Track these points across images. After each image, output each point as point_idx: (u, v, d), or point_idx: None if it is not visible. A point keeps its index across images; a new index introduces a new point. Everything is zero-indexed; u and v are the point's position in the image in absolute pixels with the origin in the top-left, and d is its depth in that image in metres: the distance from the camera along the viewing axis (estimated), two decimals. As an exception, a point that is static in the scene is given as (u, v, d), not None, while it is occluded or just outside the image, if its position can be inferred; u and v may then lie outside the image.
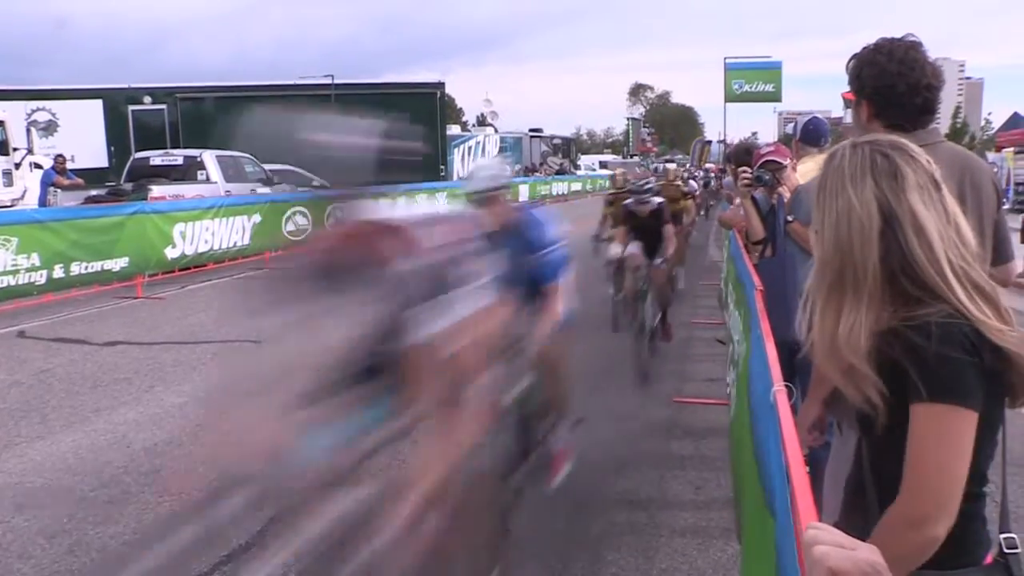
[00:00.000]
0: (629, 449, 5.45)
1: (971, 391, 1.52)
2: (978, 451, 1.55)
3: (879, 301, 1.59)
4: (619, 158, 66.63)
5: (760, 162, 4.54)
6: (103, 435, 5.80)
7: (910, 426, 1.53)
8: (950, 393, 1.51)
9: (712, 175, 24.48)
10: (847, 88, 2.74)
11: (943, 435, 1.51)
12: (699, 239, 17.63)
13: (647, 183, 8.34)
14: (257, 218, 15.28)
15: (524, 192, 33.90)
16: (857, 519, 1.68)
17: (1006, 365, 1.55)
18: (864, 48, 2.63)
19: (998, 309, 1.58)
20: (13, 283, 10.30)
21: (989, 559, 1.65)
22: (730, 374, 5.38)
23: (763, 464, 2.09)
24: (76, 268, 11.18)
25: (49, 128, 26.61)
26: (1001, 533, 1.67)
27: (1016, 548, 1.66)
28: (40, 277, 10.65)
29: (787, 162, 4.47)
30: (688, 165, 27.85)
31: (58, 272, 10.89)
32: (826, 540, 0.88)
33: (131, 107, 28.45)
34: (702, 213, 20.44)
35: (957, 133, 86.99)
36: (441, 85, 31.60)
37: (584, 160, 63.40)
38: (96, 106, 28.34)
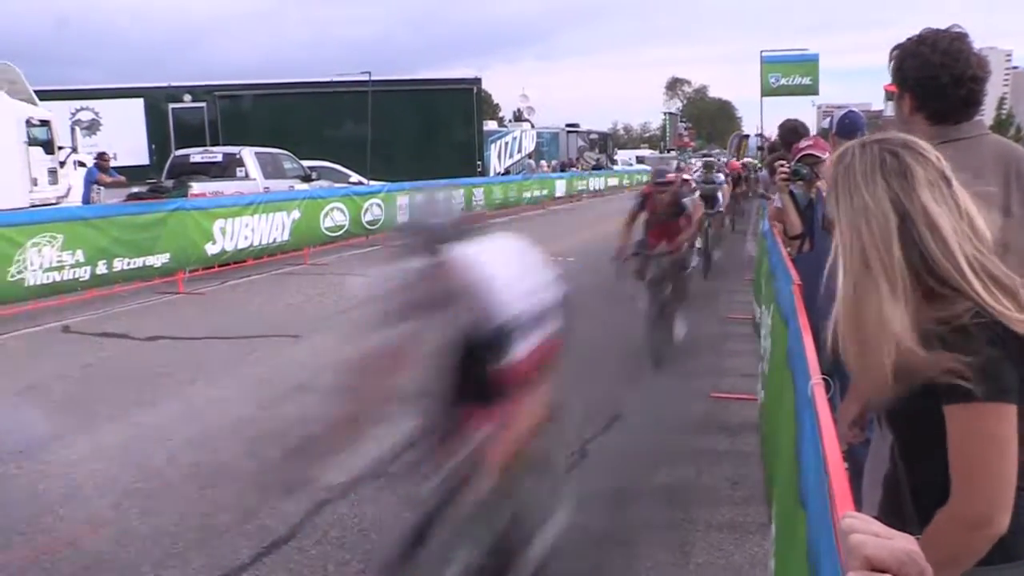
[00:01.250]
0: (665, 444, 5.44)
1: (1008, 386, 1.52)
2: (1019, 445, 1.54)
3: (912, 297, 1.58)
4: (656, 153, 66.32)
5: (798, 156, 4.50)
6: (145, 428, 5.91)
7: (951, 428, 1.53)
8: (989, 392, 1.51)
9: (740, 173, 20.69)
10: (887, 81, 2.70)
11: (989, 434, 1.51)
12: (734, 240, 17.48)
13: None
14: (296, 214, 15.42)
15: (561, 187, 33.86)
16: (894, 519, 1.67)
17: None
18: (907, 39, 2.58)
19: (1017, 299, 1.58)
20: (58, 279, 10.50)
21: None
22: (761, 369, 5.35)
23: (803, 459, 2.08)
24: (119, 264, 11.37)
25: (92, 127, 27.10)
26: None
27: None
28: (84, 273, 10.86)
29: (826, 156, 4.42)
30: (723, 159, 27.54)
31: (101, 268, 11.09)
32: (862, 529, 0.88)
33: (171, 105, 28.85)
34: (727, 222, 17.03)
35: (1002, 124, 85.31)
36: (478, 81, 31.62)
37: (621, 155, 63.18)
38: (137, 105, 28.80)
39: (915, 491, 1.66)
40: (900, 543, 0.87)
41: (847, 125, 4.63)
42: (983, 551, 1.52)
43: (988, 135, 2.67)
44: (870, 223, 1.61)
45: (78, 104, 27.24)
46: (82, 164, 17.98)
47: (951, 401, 1.52)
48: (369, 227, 17.89)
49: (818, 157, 4.39)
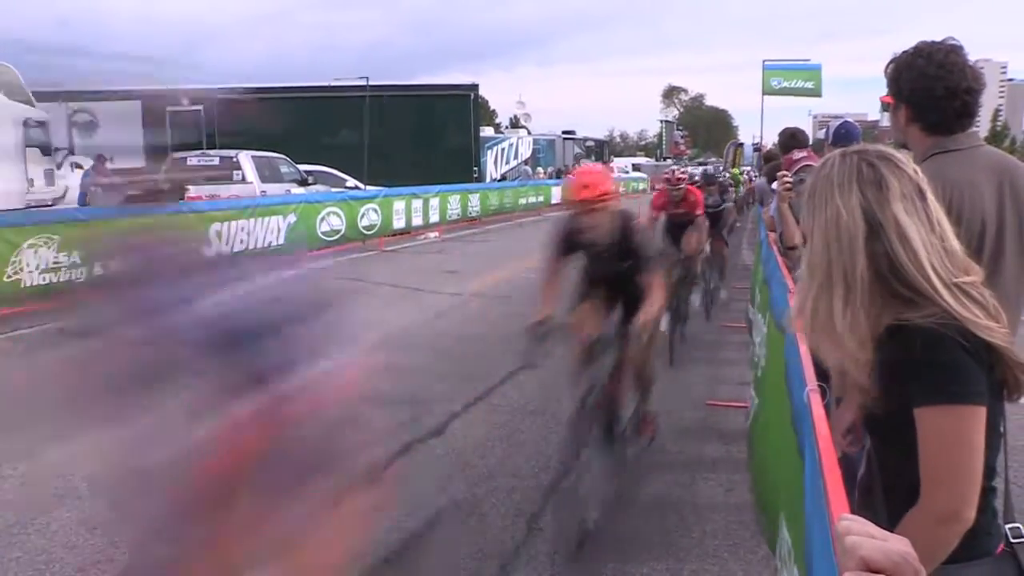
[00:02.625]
0: (662, 451, 5.46)
1: (976, 388, 1.58)
2: (984, 445, 1.59)
3: (870, 302, 1.65)
4: (652, 160, 66.47)
5: (797, 168, 4.52)
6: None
7: (921, 429, 1.58)
8: (958, 394, 1.57)
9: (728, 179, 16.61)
10: (884, 91, 2.73)
11: (958, 435, 1.56)
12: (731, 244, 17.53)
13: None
14: (292, 218, 15.44)
15: (557, 194, 33.92)
16: (867, 518, 1.71)
17: (997, 360, 1.61)
18: (903, 52, 2.62)
19: (986, 308, 1.63)
20: (55, 280, 10.50)
21: (1000, 549, 1.70)
22: (750, 375, 5.38)
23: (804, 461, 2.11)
24: (115, 266, 11.36)
25: (90, 128, 27.09)
26: (1006, 523, 1.73)
27: (1022, 537, 1.72)
28: (81, 275, 10.85)
29: None
30: (721, 168, 27.65)
31: (98, 270, 11.07)
32: (858, 531, 0.91)
33: (169, 108, 28.85)
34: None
35: (997, 137, 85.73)
36: (475, 87, 31.71)
37: (617, 162, 63.30)
38: (136, 107, 28.78)
39: (886, 492, 1.71)
40: (895, 545, 0.89)
41: (843, 135, 4.66)
42: (953, 545, 1.57)
43: (983, 146, 2.70)
44: (839, 230, 1.67)
45: (75, 105, 27.23)
46: (79, 166, 17.99)
47: (922, 403, 1.57)
48: (365, 232, 17.92)
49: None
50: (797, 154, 4.72)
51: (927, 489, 1.57)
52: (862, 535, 0.90)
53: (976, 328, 1.58)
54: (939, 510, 1.55)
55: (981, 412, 1.57)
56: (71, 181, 17.28)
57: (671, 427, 5.96)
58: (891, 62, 2.65)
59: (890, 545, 0.88)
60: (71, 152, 18.21)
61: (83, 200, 15.90)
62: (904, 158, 1.73)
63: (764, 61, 35.76)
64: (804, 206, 1.80)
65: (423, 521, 2.77)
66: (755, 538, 4.14)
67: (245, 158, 17.89)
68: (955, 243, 1.69)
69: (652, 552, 4.11)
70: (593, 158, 51.85)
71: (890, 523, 1.64)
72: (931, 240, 1.64)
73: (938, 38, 2.60)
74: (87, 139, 24.83)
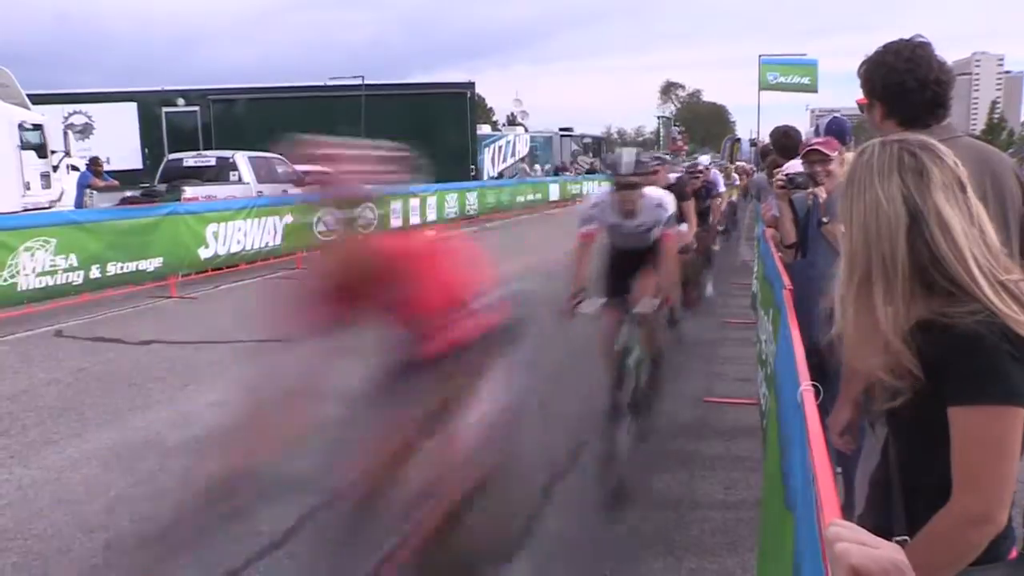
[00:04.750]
0: (659, 449, 5.44)
1: (1017, 388, 1.53)
2: None
3: (911, 294, 1.60)
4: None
5: (805, 150, 4.39)
6: (138, 433, 5.89)
7: (957, 429, 1.53)
8: (998, 394, 1.52)
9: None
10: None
11: (995, 436, 1.52)
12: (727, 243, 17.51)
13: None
14: (289, 218, 15.41)
15: (555, 191, 33.88)
16: (880, 516, 1.69)
17: None
18: (874, 52, 2.70)
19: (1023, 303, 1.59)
20: (51, 283, 10.48)
21: (1014, 553, 1.67)
22: (759, 374, 5.35)
23: (786, 463, 2.09)
24: (112, 268, 11.35)
25: (85, 131, 27.08)
26: None
27: None
28: (77, 277, 10.83)
29: (834, 155, 4.28)
30: (719, 162, 27.63)
31: (94, 272, 11.06)
32: (848, 537, 0.88)
33: (164, 109, 28.83)
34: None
35: (994, 129, 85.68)
36: (471, 85, 31.69)
37: (614, 158, 63.11)
38: (130, 109, 28.77)
39: (906, 491, 1.67)
40: (886, 552, 0.87)
41: (835, 132, 4.65)
42: (983, 547, 1.54)
43: (961, 137, 2.71)
44: (879, 219, 1.62)
45: (71, 108, 27.21)
46: (75, 168, 17.95)
47: (958, 403, 1.53)
48: (362, 231, 17.88)
49: (825, 155, 4.27)
50: (814, 140, 4.59)
51: (960, 490, 1.53)
52: (852, 542, 0.87)
53: (1017, 326, 1.54)
54: (971, 512, 1.52)
55: (1020, 413, 1.52)
56: (67, 184, 17.24)
57: (669, 424, 5.94)
58: (862, 63, 2.72)
59: (881, 553, 0.86)
60: (67, 154, 18.16)
61: (80, 203, 15.86)
62: (945, 148, 1.69)
63: (760, 56, 35.63)
64: (842, 194, 1.75)
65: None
66: (754, 536, 4.13)
67: (241, 158, 17.85)
68: (995, 239, 1.64)
69: (651, 549, 4.10)
70: (591, 155, 51.84)
71: (910, 523, 1.61)
72: (971, 232, 1.60)
73: (928, 33, 2.64)
74: (82, 140, 24.86)
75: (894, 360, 1.59)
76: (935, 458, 1.57)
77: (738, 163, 28.99)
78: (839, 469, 3.36)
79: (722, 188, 12.54)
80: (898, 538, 1.58)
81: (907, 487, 1.68)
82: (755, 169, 21.73)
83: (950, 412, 1.55)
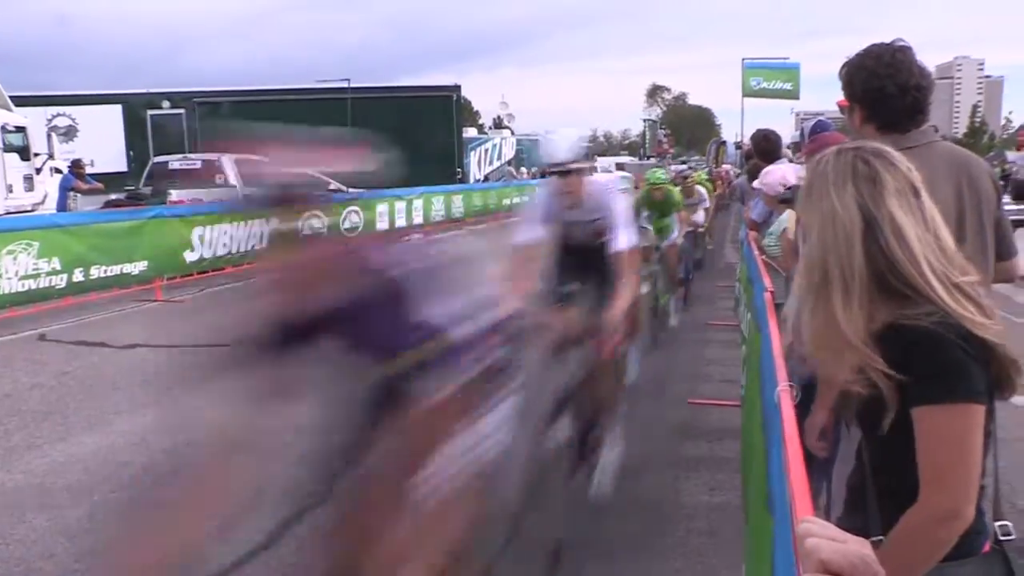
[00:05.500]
0: (644, 450, 5.47)
1: (976, 386, 1.58)
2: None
3: (869, 299, 1.64)
4: (636, 160, 66.52)
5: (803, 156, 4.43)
6: (122, 437, 5.87)
7: (921, 428, 1.58)
8: (958, 392, 1.56)
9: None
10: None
11: (958, 433, 1.56)
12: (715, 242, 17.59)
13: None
14: (275, 221, 15.37)
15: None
16: (857, 518, 1.72)
17: (991, 357, 1.61)
18: (855, 55, 2.71)
19: (980, 305, 1.64)
20: (34, 287, 10.43)
21: (987, 547, 1.70)
22: (743, 376, 5.39)
23: (770, 464, 2.11)
24: (96, 272, 11.30)
25: (69, 133, 26.90)
26: (995, 521, 1.73)
27: (1011, 535, 1.72)
28: (61, 281, 10.78)
29: None
30: (705, 166, 27.74)
31: (78, 276, 11.01)
32: (818, 533, 0.91)
33: (149, 112, 28.69)
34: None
35: (975, 132, 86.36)
36: (457, 88, 31.67)
37: (601, 161, 63.36)
38: (115, 111, 28.61)
39: (880, 492, 1.71)
40: (854, 547, 0.89)
41: (817, 135, 4.67)
42: (952, 543, 1.57)
43: (938, 142, 2.75)
44: (836, 226, 1.67)
45: (55, 110, 27.05)
46: (58, 171, 17.85)
47: (921, 403, 1.57)
48: (348, 234, 17.87)
49: None
50: (809, 146, 4.59)
51: (927, 488, 1.57)
52: (822, 537, 0.90)
53: (972, 325, 1.58)
54: (939, 508, 1.56)
55: (980, 410, 1.57)
56: (50, 187, 17.14)
57: (653, 426, 5.97)
58: (843, 66, 2.73)
59: (849, 547, 0.89)
60: (50, 157, 18.05)
61: (62, 205, 15.76)
62: (898, 155, 1.74)
63: (744, 59, 35.82)
64: (800, 202, 1.80)
65: None
66: (739, 537, 4.15)
67: (227, 161, 17.79)
68: (950, 242, 1.69)
69: (636, 551, 4.12)
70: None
71: (885, 525, 1.64)
72: (926, 237, 1.65)
73: (910, 37, 2.66)
74: (66, 143, 24.72)
75: (860, 364, 1.62)
76: (906, 459, 1.60)
77: (724, 166, 29.10)
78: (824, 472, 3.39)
79: (707, 202, 12.51)
80: (874, 538, 1.61)
81: (881, 489, 1.71)
82: (738, 173, 21.82)
83: (914, 412, 1.59)
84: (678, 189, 10.66)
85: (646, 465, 5.23)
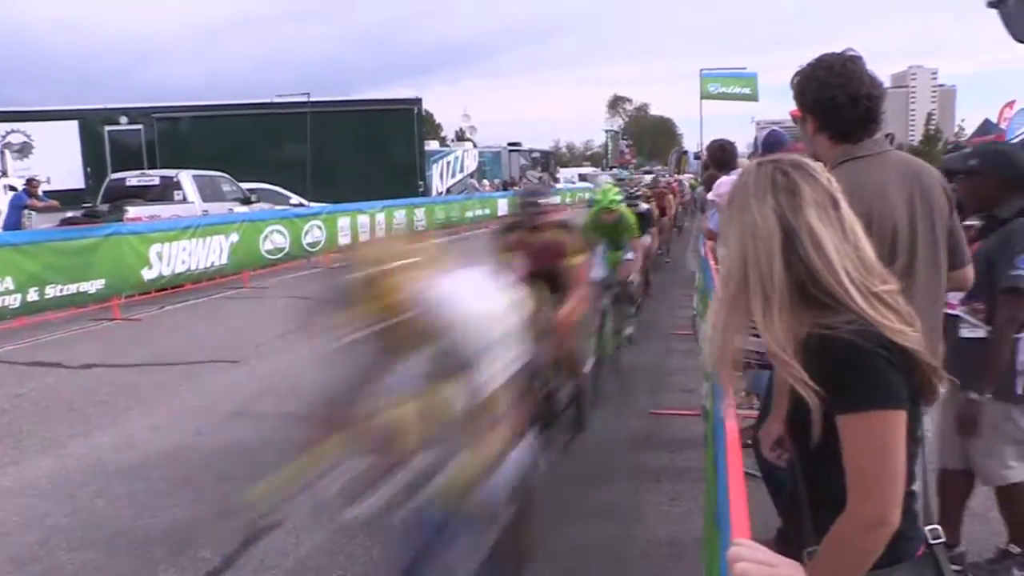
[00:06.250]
0: (604, 461, 5.47)
1: (896, 392, 1.60)
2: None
3: (791, 308, 1.67)
4: (598, 170, 66.83)
5: None
6: (78, 459, 5.75)
7: (844, 436, 1.60)
8: (878, 399, 1.58)
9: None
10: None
11: (880, 440, 1.58)
12: (674, 251, 17.71)
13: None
14: (235, 237, 15.23)
15: (504, 206, 33.93)
16: (792, 529, 1.73)
17: (913, 364, 1.64)
18: (806, 64, 2.71)
19: (899, 313, 1.67)
20: (-14, 307, 10.21)
21: (920, 552, 1.72)
22: (703, 386, 5.41)
23: (717, 479, 2.12)
24: (51, 291, 11.09)
25: (24, 150, 26.40)
26: (925, 526, 1.76)
27: (940, 539, 1.75)
28: (14, 301, 10.57)
29: None
30: (667, 176, 27.88)
31: (32, 295, 10.80)
32: (748, 557, 0.90)
33: (107, 128, 28.25)
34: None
35: (930, 140, 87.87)
36: (418, 101, 31.58)
37: (564, 173, 63.54)
38: (72, 127, 28.12)
39: (812, 501, 1.73)
40: (785, 570, 0.89)
41: (771, 144, 4.74)
42: (880, 550, 1.59)
43: (891, 151, 2.77)
44: (756, 238, 1.70)
45: (8, 127, 26.55)
46: (13, 188, 17.53)
47: (843, 411, 1.59)
48: (309, 249, 17.74)
49: None
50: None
51: (853, 496, 1.59)
52: (751, 561, 0.89)
53: (891, 333, 1.61)
54: (866, 516, 1.57)
55: (902, 416, 1.59)
56: (2, 205, 16.82)
57: (615, 436, 5.98)
58: (795, 76, 2.73)
59: (780, 571, 0.88)
60: (3, 174, 17.74)
61: (15, 224, 15.46)
62: (818, 167, 1.77)
63: (701, 69, 36.18)
64: (722, 215, 1.83)
65: None
66: (699, 547, 4.16)
67: (186, 177, 17.60)
68: (869, 252, 1.72)
69: (596, 562, 4.11)
70: (539, 169, 52.05)
71: (817, 535, 1.66)
72: (844, 247, 1.67)
73: (863, 47, 2.69)
74: (21, 160, 24.30)
75: (784, 373, 1.65)
76: (834, 469, 1.62)
77: (680, 176, 29.25)
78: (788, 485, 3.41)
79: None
80: (809, 549, 1.62)
81: (813, 498, 1.73)
82: (693, 184, 21.95)
83: (837, 420, 1.61)
84: (644, 207, 9.74)
85: (607, 475, 5.23)
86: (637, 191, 8.67)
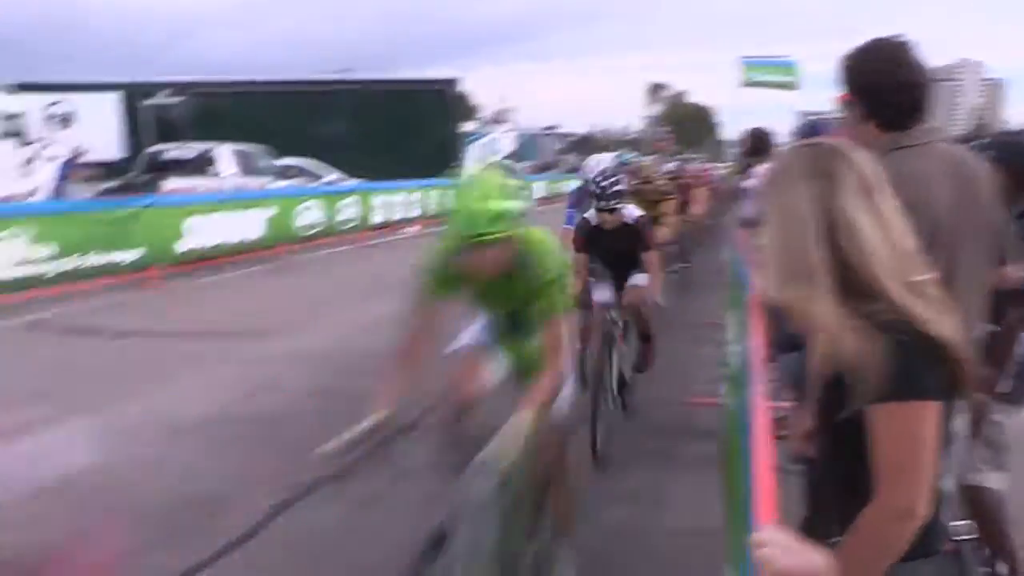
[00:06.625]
0: (632, 449, 5.46)
1: (928, 384, 1.58)
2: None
3: (833, 292, 1.64)
4: (637, 155, 66.44)
5: None
6: (110, 425, 5.85)
7: (876, 424, 1.57)
8: (910, 390, 1.56)
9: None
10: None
11: (910, 431, 1.56)
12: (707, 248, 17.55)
13: (616, 180, 5.56)
14: (270, 211, 15.36)
15: (540, 190, 33.88)
16: (820, 517, 1.72)
17: (946, 356, 1.61)
18: (854, 49, 2.62)
19: (936, 304, 1.64)
20: (29, 273, 10.40)
21: (947, 547, 1.69)
22: (722, 380, 5.38)
23: (743, 468, 2.10)
24: (89, 260, 11.28)
25: (67, 121, 26.80)
26: (952, 522, 1.73)
27: (967, 535, 1.78)
28: (53, 268, 10.75)
29: None
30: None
31: (71, 263, 10.99)
32: (773, 543, 0.90)
33: (147, 101, 28.62)
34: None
35: (978, 134, 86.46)
36: (451, 81, 31.60)
37: (602, 157, 63.18)
38: (113, 100, 28.53)
39: (841, 495, 1.71)
40: (809, 556, 0.88)
41: (808, 135, 4.65)
42: (909, 540, 1.57)
43: (937, 142, 2.69)
44: (793, 223, 1.68)
45: (53, 97, 26.94)
46: (54, 158, 17.79)
47: (875, 400, 1.57)
48: (344, 226, 17.85)
49: None
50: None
51: (882, 487, 1.57)
52: (777, 547, 0.89)
53: (926, 323, 1.59)
54: (894, 507, 1.56)
55: (933, 408, 1.57)
56: (47, 174, 17.09)
57: (643, 425, 5.96)
58: (844, 58, 2.64)
59: (804, 557, 0.88)
60: (47, 144, 18.00)
61: (57, 193, 15.72)
62: (858, 152, 1.74)
63: (742, 57, 35.75)
64: (762, 199, 1.81)
65: None
66: (724, 536, 4.15)
67: (223, 151, 17.77)
68: (907, 241, 1.69)
69: (623, 549, 4.11)
70: (575, 154, 51.88)
71: (843, 525, 1.64)
72: (879, 235, 1.65)
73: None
74: (63, 130, 24.65)
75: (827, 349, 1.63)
76: (862, 460, 1.60)
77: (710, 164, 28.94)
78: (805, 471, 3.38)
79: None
80: (835, 539, 1.60)
81: (840, 488, 1.71)
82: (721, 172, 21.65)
83: (869, 410, 1.58)
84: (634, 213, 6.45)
85: (634, 464, 5.22)
86: (623, 186, 5.65)
